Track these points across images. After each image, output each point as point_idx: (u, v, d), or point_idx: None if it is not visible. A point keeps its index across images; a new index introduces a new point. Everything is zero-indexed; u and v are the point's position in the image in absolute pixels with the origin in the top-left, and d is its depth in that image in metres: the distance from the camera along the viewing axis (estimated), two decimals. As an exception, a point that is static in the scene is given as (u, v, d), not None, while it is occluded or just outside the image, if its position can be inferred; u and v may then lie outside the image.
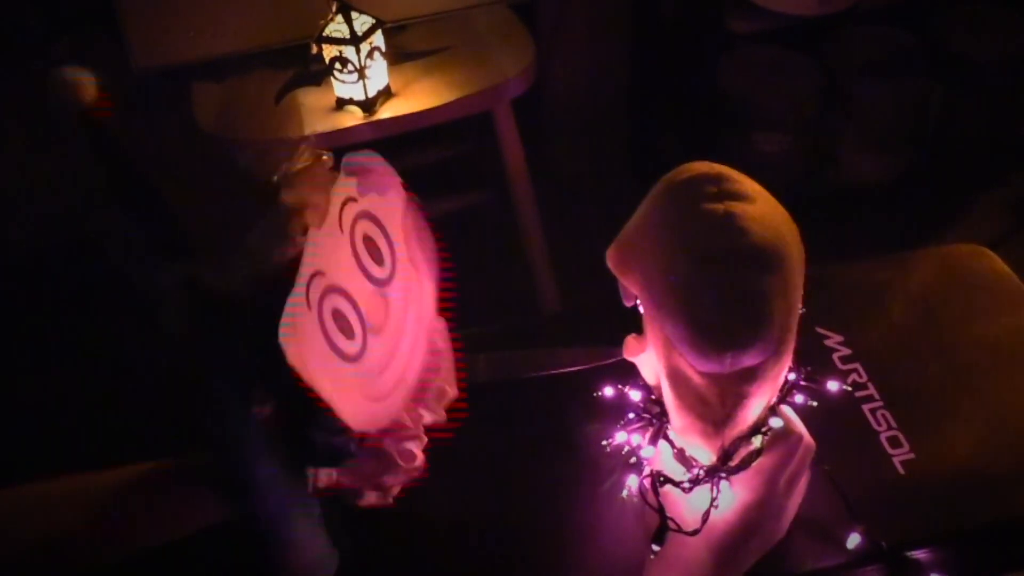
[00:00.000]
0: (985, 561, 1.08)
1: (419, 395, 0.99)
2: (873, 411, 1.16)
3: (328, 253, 0.87)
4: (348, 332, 0.88)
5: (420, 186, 2.27)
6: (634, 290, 0.95)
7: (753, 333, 0.86)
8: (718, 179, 0.88)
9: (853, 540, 1.05)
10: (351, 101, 1.86)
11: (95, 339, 2.14)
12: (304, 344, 0.82)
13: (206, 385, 0.86)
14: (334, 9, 1.80)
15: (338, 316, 0.87)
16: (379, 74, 1.86)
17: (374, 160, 0.94)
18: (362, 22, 1.81)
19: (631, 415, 1.05)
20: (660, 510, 0.97)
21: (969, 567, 1.07)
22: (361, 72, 1.81)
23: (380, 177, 0.95)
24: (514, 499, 1.11)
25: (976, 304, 1.30)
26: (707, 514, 0.97)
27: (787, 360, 0.93)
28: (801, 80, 2.32)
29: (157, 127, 0.92)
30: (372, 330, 0.91)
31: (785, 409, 1.01)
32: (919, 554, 1.06)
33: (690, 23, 2.38)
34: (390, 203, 0.97)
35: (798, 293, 0.90)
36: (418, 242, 1.00)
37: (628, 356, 1.01)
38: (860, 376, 1.20)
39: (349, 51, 1.80)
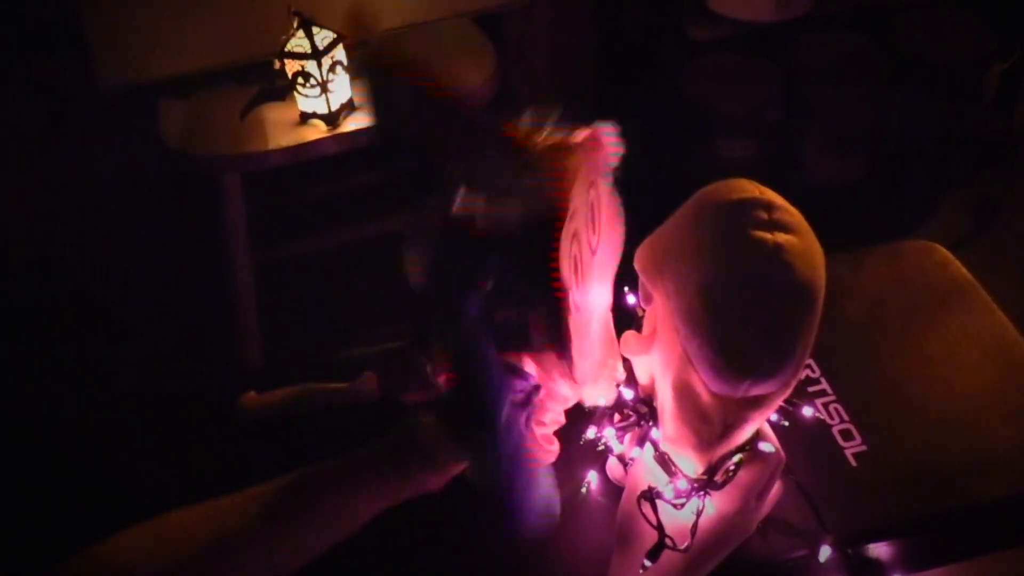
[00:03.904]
0: (935, 552, 1.10)
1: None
2: (826, 405, 1.18)
3: (579, 212, 0.86)
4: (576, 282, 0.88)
5: (385, 200, 2.29)
6: (658, 296, 0.94)
7: (777, 365, 0.87)
8: (769, 206, 0.87)
9: (825, 552, 1.05)
10: (315, 115, 1.88)
11: (70, 350, 2.16)
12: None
13: (457, 310, 0.84)
14: (295, 24, 1.82)
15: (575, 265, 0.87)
16: (342, 88, 1.88)
17: (612, 136, 0.91)
18: (323, 37, 1.83)
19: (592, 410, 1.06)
20: (659, 527, 0.97)
21: (919, 558, 1.08)
22: (324, 86, 1.83)
23: (608, 152, 0.92)
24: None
25: (927, 298, 1.32)
26: (695, 527, 0.98)
27: (790, 391, 0.94)
28: (762, 86, 2.35)
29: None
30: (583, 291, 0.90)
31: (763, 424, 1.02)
32: (870, 546, 1.07)
33: (651, 32, 2.41)
34: (606, 180, 0.94)
35: (816, 329, 0.90)
36: (609, 228, 0.97)
37: (627, 353, 1.00)
38: (813, 371, 1.21)
39: (311, 66, 1.82)
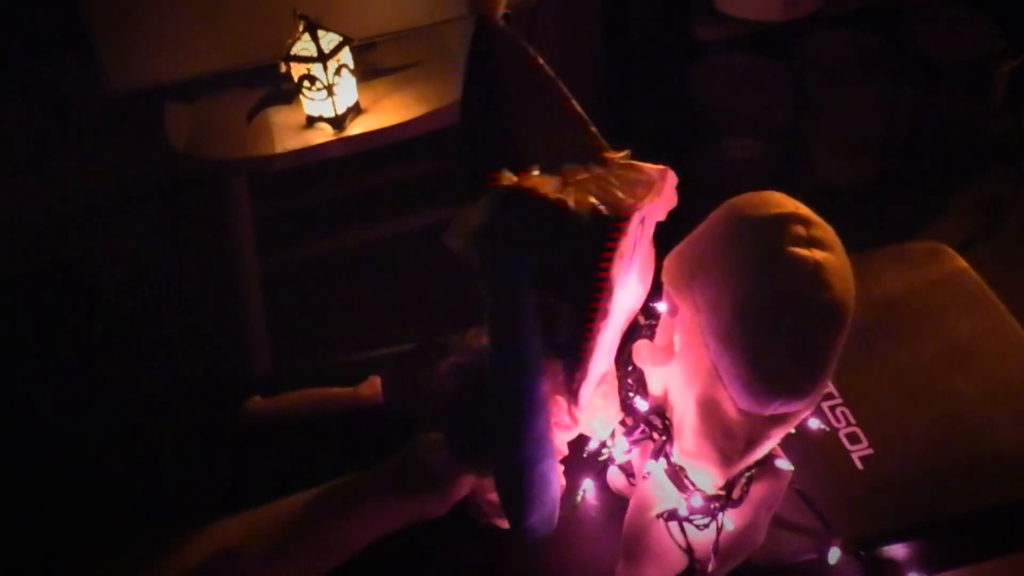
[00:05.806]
0: (943, 556, 1.09)
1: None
2: (832, 408, 1.17)
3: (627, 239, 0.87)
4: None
5: (393, 202, 2.28)
6: (685, 309, 0.92)
7: (810, 385, 0.86)
8: (806, 222, 0.86)
9: (834, 554, 1.04)
10: (321, 118, 1.88)
11: (76, 353, 2.16)
12: None
13: (519, 296, 0.85)
14: (301, 28, 1.82)
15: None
16: (348, 91, 1.88)
17: (673, 187, 0.91)
18: (329, 40, 1.82)
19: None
20: (688, 550, 0.97)
21: (928, 562, 1.08)
22: (329, 89, 1.83)
23: (667, 199, 0.92)
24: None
25: (934, 300, 1.31)
26: (716, 546, 0.97)
27: (814, 408, 0.93)
28: (770, 86, 2.34)
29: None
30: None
31: None
32: (878, 549, 1.07)
33: (659, 33, 2.40)
34: (652, 228, 0.95)
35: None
36: (641, 277, 0.97)
37: (642, 364, 0.98)
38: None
39: (317, 69, 1.81)
